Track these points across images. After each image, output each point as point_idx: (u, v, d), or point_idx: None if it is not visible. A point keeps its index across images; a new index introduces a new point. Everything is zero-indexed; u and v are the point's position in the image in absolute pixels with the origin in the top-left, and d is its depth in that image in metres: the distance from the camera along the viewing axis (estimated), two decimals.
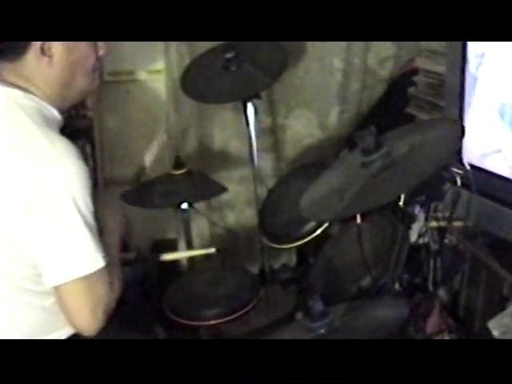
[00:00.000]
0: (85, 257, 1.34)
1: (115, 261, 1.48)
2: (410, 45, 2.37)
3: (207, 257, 2.61)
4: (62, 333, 1.44)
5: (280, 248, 2.10)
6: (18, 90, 1.40)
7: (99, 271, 1.36)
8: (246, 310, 1.81)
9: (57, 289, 1.35)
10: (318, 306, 1.35)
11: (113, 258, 1.45)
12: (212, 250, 2.06)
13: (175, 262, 2.57)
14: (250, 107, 2.10)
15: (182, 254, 2.18)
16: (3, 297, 1.39)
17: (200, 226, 2.58)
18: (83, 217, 1.33)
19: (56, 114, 1.45)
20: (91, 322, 1.38)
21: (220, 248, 1.94)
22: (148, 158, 2.58)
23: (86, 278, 1.34)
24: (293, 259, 2.53)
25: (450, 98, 1.88)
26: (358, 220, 1.52)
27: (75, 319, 1.39)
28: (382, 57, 2.45)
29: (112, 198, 1.68)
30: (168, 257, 1.88)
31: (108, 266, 1.38)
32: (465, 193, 1.49)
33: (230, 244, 2.64)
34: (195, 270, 2.23)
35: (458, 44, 1.78)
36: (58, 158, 1.32)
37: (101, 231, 1.40)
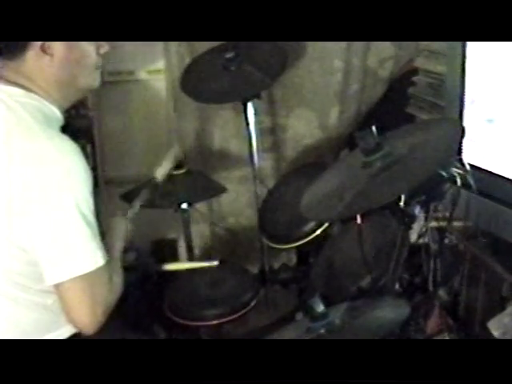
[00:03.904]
0: (85, 255, 1.34)
1: (117, 261, 1.48)
2: (410, 45, 2.37)
3: (207, 257, 2.62)
4: (64, 331, 1.44)
5: (280, 248, 2.10)
6: (19, 88, 1.40)
7: (99, 270, 1.35)
8: (245, 310, 1.81)
9: (57, 287, 1.35)
10: (318, 306, 1.35)
11: (114, 258, 1.45)
12: (215, 263, 2.03)
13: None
14: (249, 107, 2.10)
15: (183, 265, 2.14)
16: (4, 295, 1.39)
17: (200, 226, 2.58)
18: (83, 215, 1.33)
19: (57, 112, 1.44)
20: (90, 320, 1.38)
21: (223, 259, 1.92)
22: (148, 158, 2.58)
23: (86, 277, 1.34)
24: (293, 259, 2.53)
25: (449, 98, 1.88)
26: (358, 220, 1.53)
27: (74, 317, 1.38)
28: (382, 57, 2.45)
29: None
30: (170, 267, 1.86)
31: (108, 264, 1.38)
32: (465, 193, 1.49)
33: (230, 244, 2.64)
34: (195, 270, 2.23)
35: (458, 44, 1.78)
36: (58, 156, 1.32)
37: (104, 231, 1.40)
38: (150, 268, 1.94)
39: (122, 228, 1.60)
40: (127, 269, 1.56)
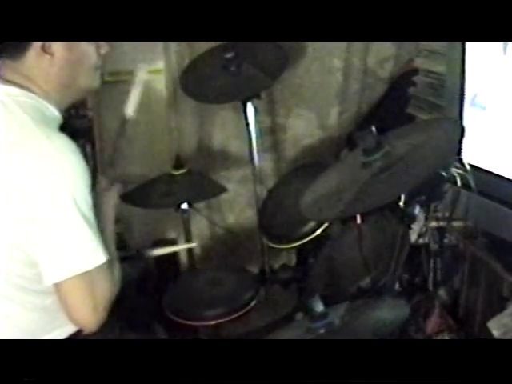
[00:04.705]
0: (85, 253, 1.34)
1: (112, 249, 1.46)
2: (410, 45, 2.37)
3: (207, 257, 2.62)
4: (62, 331, 1.43)
5: (280, 248, 2.10)
6: (17, 88, 1.40)
7: (100, 267, 1.35)
8: (245, 309, 1.81)
9: (57, 286, 1.35)
10: (318, 306, 1.35)
11: (109, 245, 1.44)
12: (193, 244, 2.20)
13: (175, 263, 2.57)
14: (249, 107, 2.10)
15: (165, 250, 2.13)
16: (3, 296, 1.39)
17: (200, 226, 2.58)
18: (83, 213, 1.33)
19: (55, 112, 1.44)
20: (92, 318, 1.38)
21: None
22: (148, 158, 2.58)
23: (87, 274, 1.34)
24: (293, 259, 2.53)
25: (449, 97, 1.88)
26: (358, 220, 1.53)
27: (76, 316, 1.38)
28: (381, 57, 2.45)
29: (106, 184, 1.65)
30: (155, 252, 1.87)
31: (109, 262, 1.38)
32: (465, 193, 1.49)
33: (229, 244, 2.64)
34: (195, 270, 2.23)
35: (458, 44, 1.78)
36: (56, 155, 1.32)
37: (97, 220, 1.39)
38: (141, 254, 1.93)
39: (111, 202, 1.58)
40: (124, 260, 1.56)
